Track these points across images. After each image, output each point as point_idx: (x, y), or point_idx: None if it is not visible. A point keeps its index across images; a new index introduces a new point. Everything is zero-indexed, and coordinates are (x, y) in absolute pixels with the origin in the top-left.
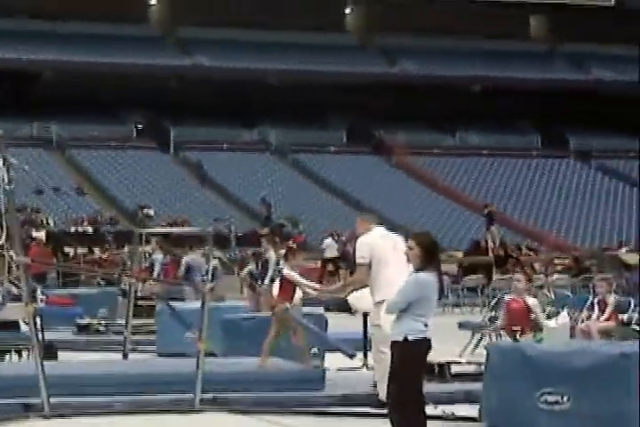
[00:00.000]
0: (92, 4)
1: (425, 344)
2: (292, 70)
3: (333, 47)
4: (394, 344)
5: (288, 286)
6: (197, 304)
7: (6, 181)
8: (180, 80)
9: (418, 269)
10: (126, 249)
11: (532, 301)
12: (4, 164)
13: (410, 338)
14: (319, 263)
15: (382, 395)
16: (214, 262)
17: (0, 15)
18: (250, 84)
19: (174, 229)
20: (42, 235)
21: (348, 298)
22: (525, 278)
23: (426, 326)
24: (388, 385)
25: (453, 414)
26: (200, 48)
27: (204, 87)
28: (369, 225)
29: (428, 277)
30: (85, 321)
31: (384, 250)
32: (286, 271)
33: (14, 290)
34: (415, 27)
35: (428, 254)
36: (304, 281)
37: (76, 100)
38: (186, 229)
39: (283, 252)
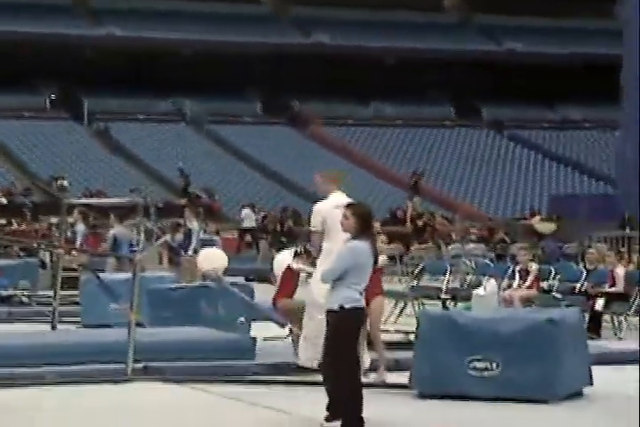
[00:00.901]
0: None
1: (360, 313)
2: (206, 41)
3: (248, 18)
4: (329, 313)
5: (290, 282)
6: (121, 275)
7: None
8: (94, 50)
9: (353, 238)
10: (49, 220)
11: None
12: None
13: (346, 306)
14: (236, 234)
15: (303, 360)
16: (139, 233)
17: None
18: (164, 55)
19: (103, 200)
20: None
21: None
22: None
23: (360, 294)
24: (324, 353)
25: (384, 381)
26: (113, 18)
27: (118, 57)
28: (331, 186)
29: (363, 245)
30: (8, 292)
31: (336, 221)
32: (296, 266)
33: None
34: None
35: (363, 223)
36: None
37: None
38: (114, 200)
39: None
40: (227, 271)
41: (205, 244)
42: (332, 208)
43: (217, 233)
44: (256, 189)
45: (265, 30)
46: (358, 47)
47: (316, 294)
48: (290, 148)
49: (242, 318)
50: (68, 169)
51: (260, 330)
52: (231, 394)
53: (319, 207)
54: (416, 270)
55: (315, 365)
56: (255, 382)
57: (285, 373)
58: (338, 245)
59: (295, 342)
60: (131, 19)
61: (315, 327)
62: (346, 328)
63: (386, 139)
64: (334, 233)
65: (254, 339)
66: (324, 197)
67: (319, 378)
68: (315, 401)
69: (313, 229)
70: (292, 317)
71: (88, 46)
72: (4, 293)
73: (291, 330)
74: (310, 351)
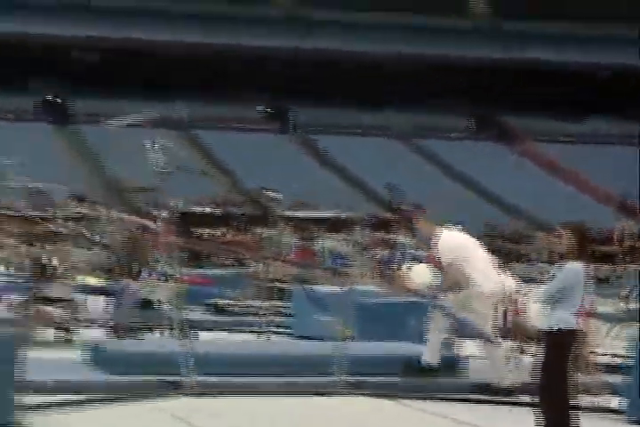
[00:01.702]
0: None
1: (576, 335)
2: (411, 54)
3: (460, 31)
4: (545, 334)
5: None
6: (331, 288)
7: (158, 162)
8: (305, 63)
9: (569, 260)
10: (258, 231)
11: None
12: (155, 146)
13: (563, 328)
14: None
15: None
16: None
17: None
18: (368, 68)
19: (312, 213)
20: (168, 215)
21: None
22: None
23: (576, 315)
24: (538, 375)
25: (596, 405)
26: (323, 32)
27: (323, 70)
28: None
29: (580, 266)
30: (220, 302)
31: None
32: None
33: (159, 270)
34: None
35: (578, 244)
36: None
37: (203, 81)
38: (324, 213)
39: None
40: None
41: (414, 259)
42: (463, 240)
43: (422, 248)
44: (462, 205)
45: (477, 44)
46: (565, 63)
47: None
48: (498, 163)
49: (448, 335)
50: (277, 181)
51: (468, 347)
52: (435, 411)
53: (446, 240)
54: (626, 292)
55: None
56: (459, 400)
57: (490, 392)
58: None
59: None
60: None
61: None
62: (561, 350)
63: (599, 157)
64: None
65: (460, 356)
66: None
67: (523, 398)
68: (518, 421)
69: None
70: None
71: (300, 60)
72: (214, 302)
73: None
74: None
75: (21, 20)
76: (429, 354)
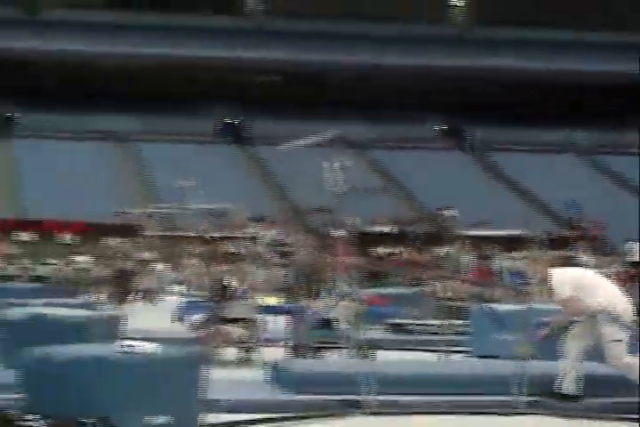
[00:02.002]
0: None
1: None
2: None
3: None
4: None
5: None
6: (510, 306)
7: (336, 182)
8: (480, 81)
9: None
10: (436, 250)
11: None
12: (333, 166)
13: None
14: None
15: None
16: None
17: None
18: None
19: (490, 232)
20: (345, 234)
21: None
22: None
23: None
24: None
25: None
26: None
27: (498, 88)
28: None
29: None
30: (398, 320)
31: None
32: None
33: (338, 290)
34: None
35: None
36: None
37: (379, 101)
38: (502, 232)
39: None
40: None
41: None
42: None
43: (604, 267)
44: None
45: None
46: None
47: None
48: None
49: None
50: (453, 199)
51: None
52: None
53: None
54: None
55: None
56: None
57: None
58: None
59: None
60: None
61: None
62: None
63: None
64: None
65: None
66: None
67: None
68: None
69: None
70: None
71: (475, 78)
72: (392, 321)
73: None
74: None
75: (198, 45)
76: (568, 382)
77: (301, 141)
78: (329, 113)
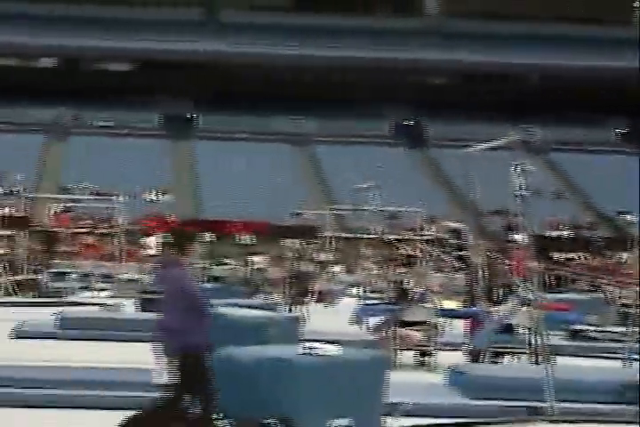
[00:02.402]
0: None
1: None
2: None
3: None
4: None
5: None
6: None
7: (517, 185)
8: None
9: None
10: (617, 255)
11: None
12: (515, 169)
13: None
14: None
15: None
16: None
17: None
18: None
19: None
20: (526, 239)
21: None
22: None
23: None
24: None
25: None
26: None
27: None
28: None
29: None
30: (579, 327)
31: None
32: None
33: (518, 294)
34: None
35: None
36: None
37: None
38: None
39: None
40: None
41: None
42: None
43: None
44: None
45: None
46: None
47: None
48: None
49: None
50: (633, 203)
51: None
52: None
53: None
54: None
55: None
56: None
57: None
58: None
59: None
60: None
61: None
62: None
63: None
64: None
65: None
66: None
67: None
68: None
69: None
70: None
71: None
72: (573, 327)
73: None
74: None
75: (376, 47)
76: None
77: (484, 144)
78: (507, 115)
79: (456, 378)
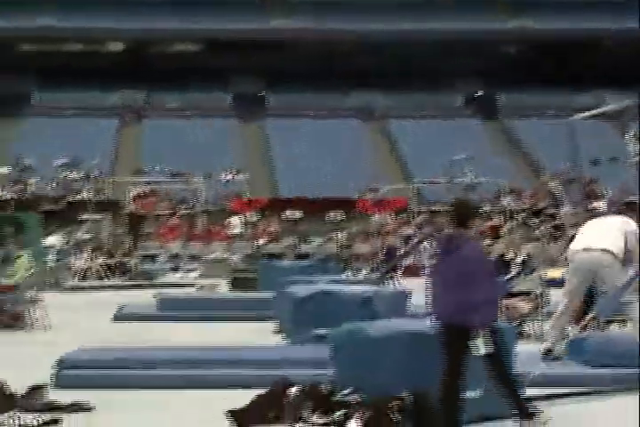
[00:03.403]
0: None
1: None
2: None
3: None
4: None
5: None
6: None
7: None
8: None
9: None
10: None
11: None
12: (630, 136)
13: None
14: None
15: None
16: None
17: None
18: None
19: None
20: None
21: None
22: None
23: None
24: None
25: None
26: None
27: None
28: None
29: None
30: None
31: None
32: None
33: None
34: None
35: None
36: None
37: None
38: None
39: None
40: None
41: None
42: None
43: None
44: None
45: None
46: None
47: None
48: None
49: None
50: None
51: None
52: None
53: None
54: None
55: None
56: None
57: None
58: None
59: None
60: None
61: None
62: None
63: None
64: None
65: None
66: None
67: None
68: None
69: None
70: None
71: None
72: None
73: None
74: None
75: (445, 17)
76: None
77: (590, 111)
78: (575, 85)
79: (575, 347)
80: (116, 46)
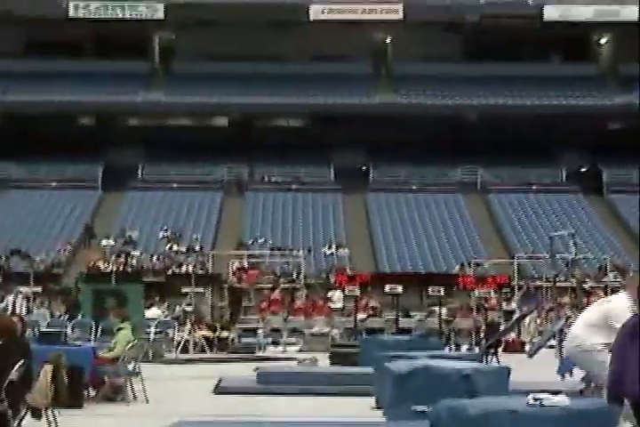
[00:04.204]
0: None
1: None
2: None
3: None
4: None
5: None
6: None
7: None
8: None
9: None
10: None
11: None
12: None
13: None
14: None
15: None
16: None
17: None
18: None
19: None
20: None
21: None
22: None
23: None
24: None
25: None
26: None
27: None
28: None
29: None
30: None
31: None
32: None
33: None
34: None
35: None
36: None
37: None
38: None
39: None
40: None
41: None
42: None
43: None
44: None
45: None
46: None
47: None
48: None
49: None
50: None
51: None
52: None
53: None
54: None
55: None
56: None
57: None
58: None
59: None
60: None
61: None
62: None
63: None
64: None
65: None
66: None
67: None
68: None
69: None
70: None
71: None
72: None
73: None
74: None
75: (545, 93)
76: None
77: None
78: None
79: None
80: (221, 121)
